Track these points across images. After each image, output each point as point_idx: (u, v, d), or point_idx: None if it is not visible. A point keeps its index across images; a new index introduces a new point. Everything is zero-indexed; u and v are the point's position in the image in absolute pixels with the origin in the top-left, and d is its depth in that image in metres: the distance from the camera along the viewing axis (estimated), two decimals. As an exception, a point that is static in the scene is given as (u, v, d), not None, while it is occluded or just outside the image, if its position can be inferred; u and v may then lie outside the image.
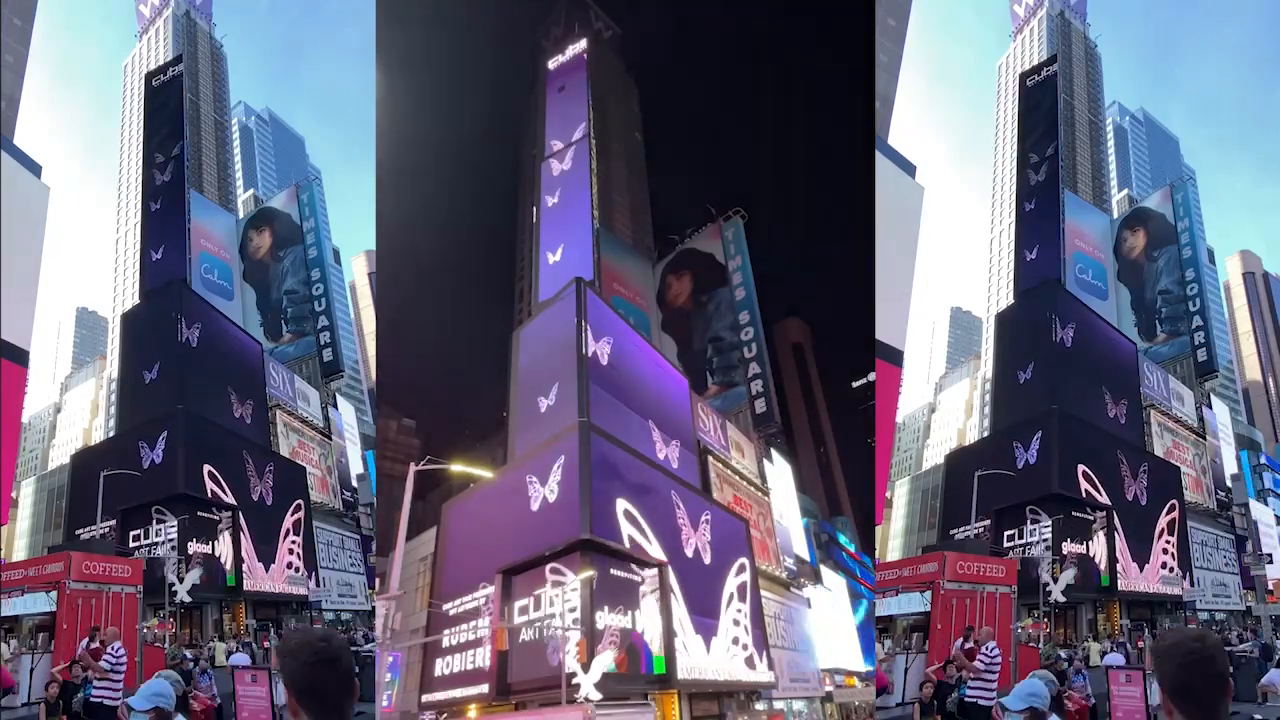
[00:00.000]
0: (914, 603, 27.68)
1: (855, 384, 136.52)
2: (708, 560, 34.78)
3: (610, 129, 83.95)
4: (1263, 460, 70.35)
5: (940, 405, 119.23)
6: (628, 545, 29.19)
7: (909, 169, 42.88)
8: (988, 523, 45.14)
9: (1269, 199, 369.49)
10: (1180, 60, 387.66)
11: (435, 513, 38.09)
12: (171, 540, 38.31)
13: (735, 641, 34.07)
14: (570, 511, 27.81)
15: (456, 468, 32.55)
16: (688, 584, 31.26)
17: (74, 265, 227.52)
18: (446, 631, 30.67)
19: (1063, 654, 30.16)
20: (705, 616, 32.02)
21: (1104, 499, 44.76)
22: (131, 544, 39.52)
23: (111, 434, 58.98)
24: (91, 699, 20.38)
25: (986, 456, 49.39)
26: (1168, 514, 48.20)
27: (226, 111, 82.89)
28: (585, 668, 23.41)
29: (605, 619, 25.30)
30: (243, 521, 43.03)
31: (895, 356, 41.02)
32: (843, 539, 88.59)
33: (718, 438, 48.51)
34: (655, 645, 27.07)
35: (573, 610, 24.94)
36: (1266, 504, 65.60)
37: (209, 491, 43.47)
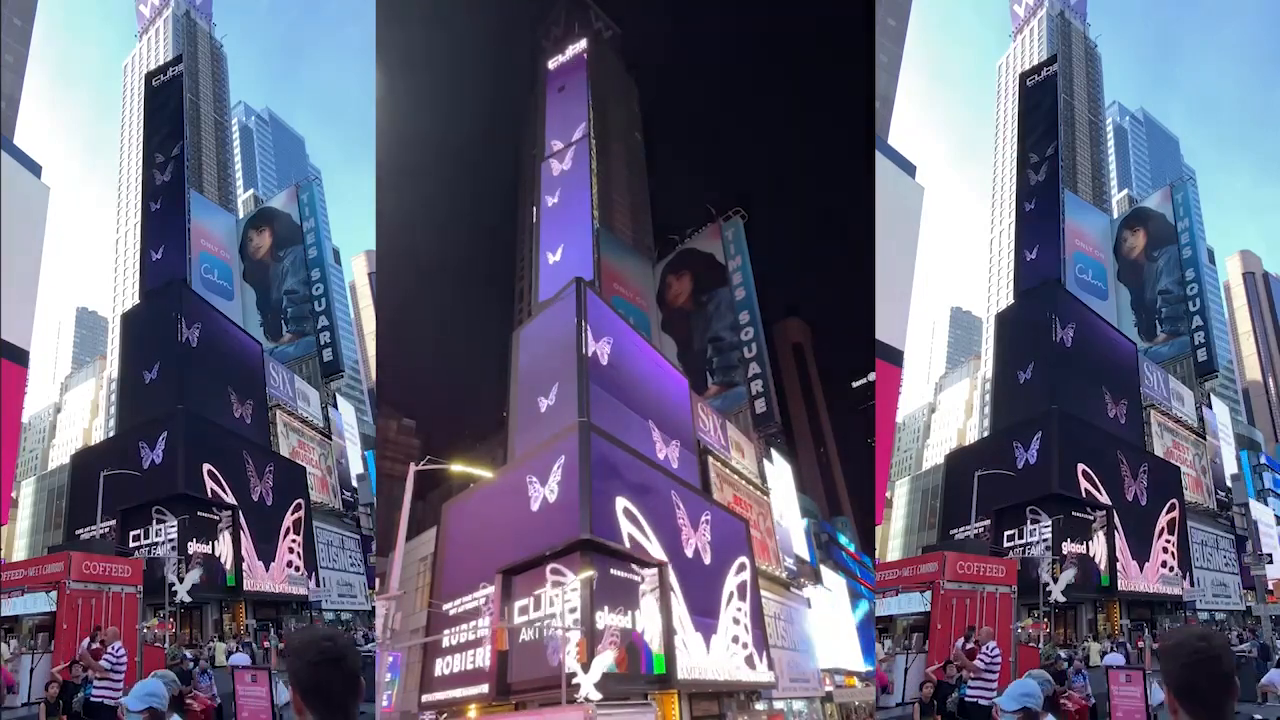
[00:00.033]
0: (914, 603, 27.68)
1: (855, 384, 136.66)
2: (708, 560, 34.78)
3: (610, 129, 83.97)
4: (1263, 460, 70.35)
5: (940, 405, 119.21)
6: (628, 544, 29.20)
7: (909, 169, 42.88)
8: (988, 523, 45.13)
9: (1269, 199, 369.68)
10: (1180, 60, 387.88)
11: (435, 513, 38.09)
12: (171, 540, 38.31)
13: (735, 640, 34.08)
14: (570, 511, 27.81)
15: (456, 468, 32.55)
16: (688, 584, 31.26)
17: (74, 265, 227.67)
18: (446, 631, 30.67)
19: (1063, 654, 30.17)
20: (705, 616, 32.02)
21: (1104, 499, 44.75)
22: (131, 544, 39.51)
23: (111, 434, 58.97)
24: (91, 699, 20.39)
25: (986, 456, 49.38)
26: (1168, 513, 48.21)
27: (226, 111, 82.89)
28: (585, 668, 23.42)
29: (605, 619, 25.30)
30: (243, 521, 43.03)
31: (895, 356, 41.02)
32: (843, 539, 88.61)
33: (718, 438, 48.51)
34: (655, 645, 27.08)
35: (573, 610, 24.94)
36: (1266, 504, 65.59)
37: (209, 491, 43.47)
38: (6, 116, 46.30)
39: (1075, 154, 76.10)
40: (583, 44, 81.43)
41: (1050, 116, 61.68)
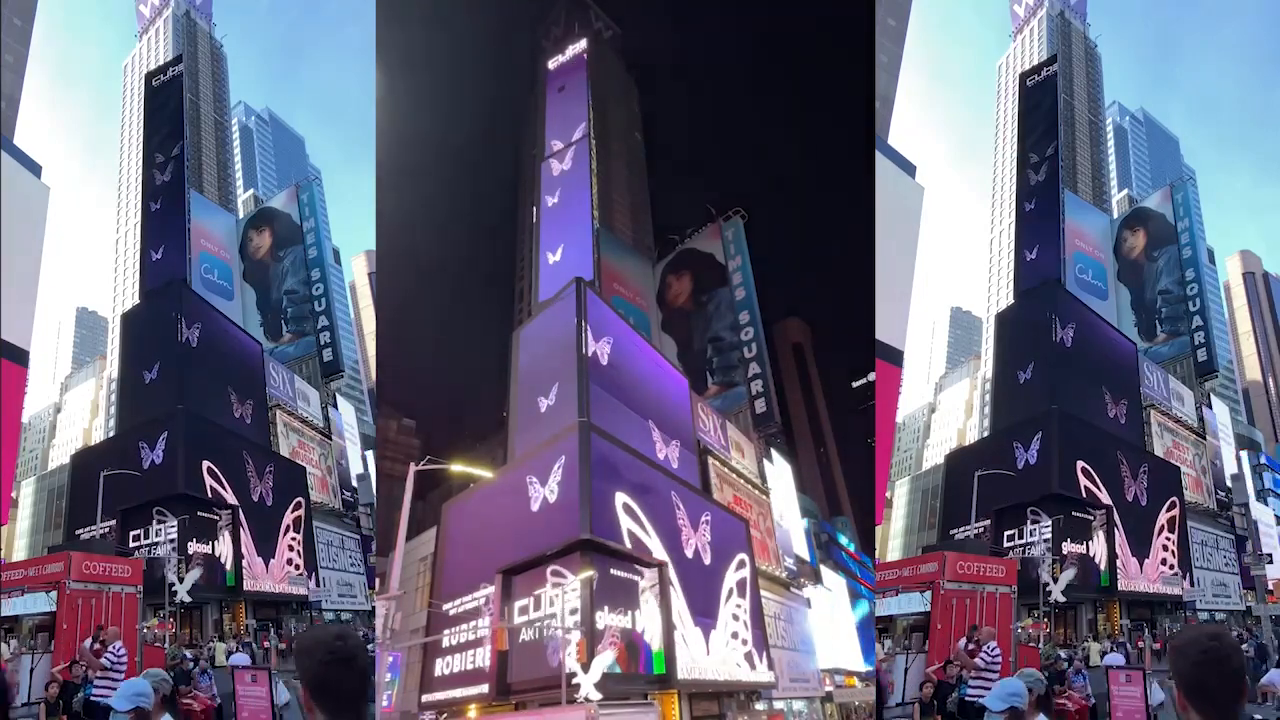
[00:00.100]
0: (914, 603, 27.67)
1: (855, 384, 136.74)
2: (708, 561, 34.80)
3: (610, 129, 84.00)
4: (1263, 460, 70.29)
5: (940, 405, 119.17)
6: (628, 540, 29.22)
7: (909, 169, 42.88)
8: (988, 523, 45.10)
9: (1269, 199, 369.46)
10: (1180, 60, 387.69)
11: (435, 513, 38.11)
12: (171, 540, 38.26)
13: (735, 636, 34.10)
14: (570, 512, 27.82)
15: (456, 468, 32.55)
16: (688, 584, 31.27)
17: (74, 265, 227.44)
18: (446, 631, 30.69)
19: (1063, 654, 30.17)
20: (705, 617, 32.04)
21: (1104, 497, 44.76)
22: (131, 544, 39.48)
23: (111, 434, 58.92)
24: (91, 699, 20.40)
25: (986, 456, 49.35)
26: (1168, 511, 48.21)
27: (226, 111, 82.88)
28: (585, 668, 23.43)
29: (605, 619, 25.32)
30: (242, 518, 43.05)
31: (895, 356, 41.01)
32: (843, 539, 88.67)
33: (718, 438, 48.52)
34: (655, 644, 27.09)
35: (573, 610, 24.94)
36: (1266, 504, 65.54)
37: (209, 491, 43.46)
38: (6, 116, 46.31)
39: (1075, 154, 76.09)
40: (583, 44, 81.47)
41: (1050, 116, 61.67)
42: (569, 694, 22.81)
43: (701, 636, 30.87)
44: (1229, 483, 57.93)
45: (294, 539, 48.64)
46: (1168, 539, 47.47)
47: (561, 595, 25.52)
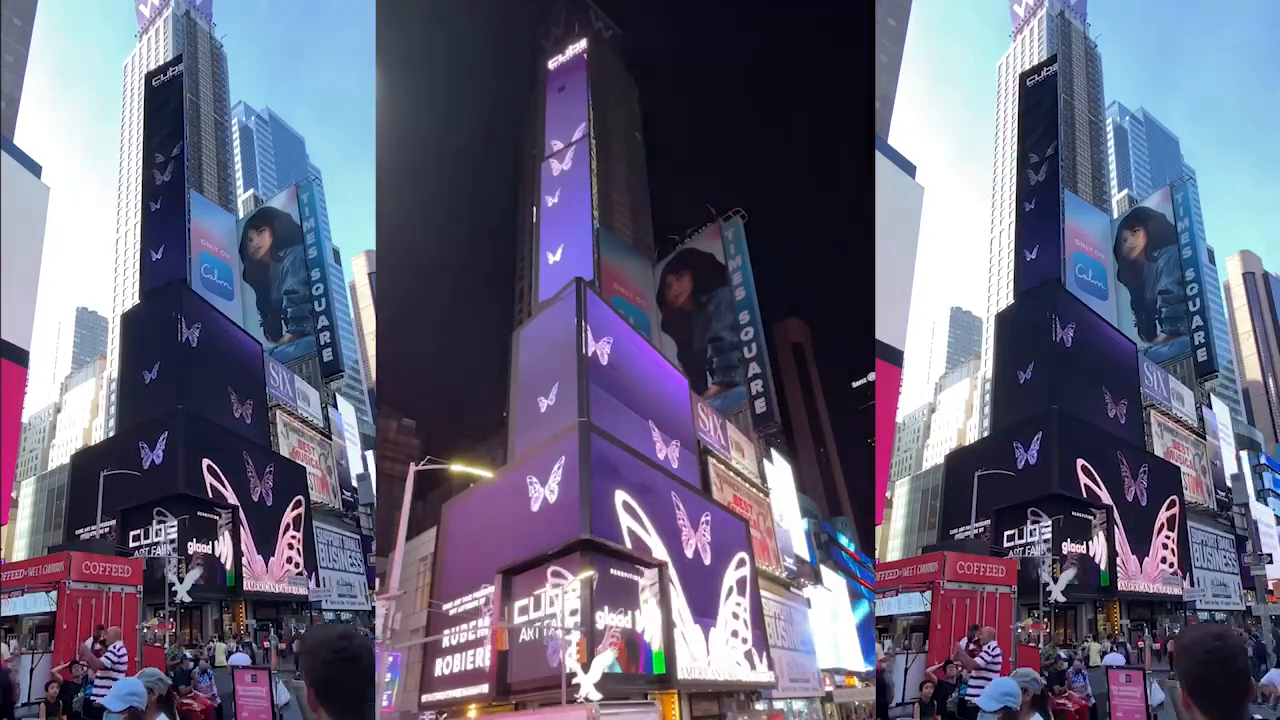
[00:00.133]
0: (914, 603, 27.67)
1: (855, 384, 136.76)
2: (708, 561, 34.80)
3: (610, 129, 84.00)
4: (1263, 460, 70.28)
5: (940, 405, 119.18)
6: (628, 538, 29.22)
7: (909, 169, 42.89)
8: (988, 523, 45.11)
9: (1269, 199, 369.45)
10: (1180, 60, 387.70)
11: (435, 513, 38.10)
12: (171, 540, 38.25)
13: (735, 635, 34.11)
14: (570, 512, 27.82)
15: (456, 468, 32.56)
16: (688, 584, 31.27)
17: (74, 265, 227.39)
18: (446, 631, 30.69)
19: (1063, 654, 30.19)
20: (705, 617, 32.04)
21: (1104, 495, 44.79)
22: (131, 544, 39.47)
23: (111, 434, 58.93)
24: (92, 699, 20.39)
25: (986, 456, 49.36)
26: (1168, 510, 48.22)
27: (226, 111, 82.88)
28: (585, 668, 23.43)
29: (605, 619, 25.32)
30: (242, 518, 43.07)
31: (895, 356, 41.02)
32: (843, 539, 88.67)
33: (718, 438, 48.52)
34: (655, 644, 27.09)
35: (573, 610, 24.94)
36: (1266, 504, 65.54)
37: (209, 490, 43.46)
38: (6, 116, 46.31)
39: (1075, 154, 76.08)
40: (583, 44, 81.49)
41: (1050, 116, 61.67)
42: (569, 694, 22.81)
43: (701, 635, 30.88)
44: (1229, 483, 57.93)
45: (294, 537, 48.65)
46: (1167, 537, 47.49)
47: (561, 595, 25.51)
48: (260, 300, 63.23)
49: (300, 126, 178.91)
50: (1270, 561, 58.59)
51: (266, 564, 44.96)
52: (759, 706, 36.59)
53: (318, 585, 49.87)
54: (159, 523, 39.59)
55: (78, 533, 43.20)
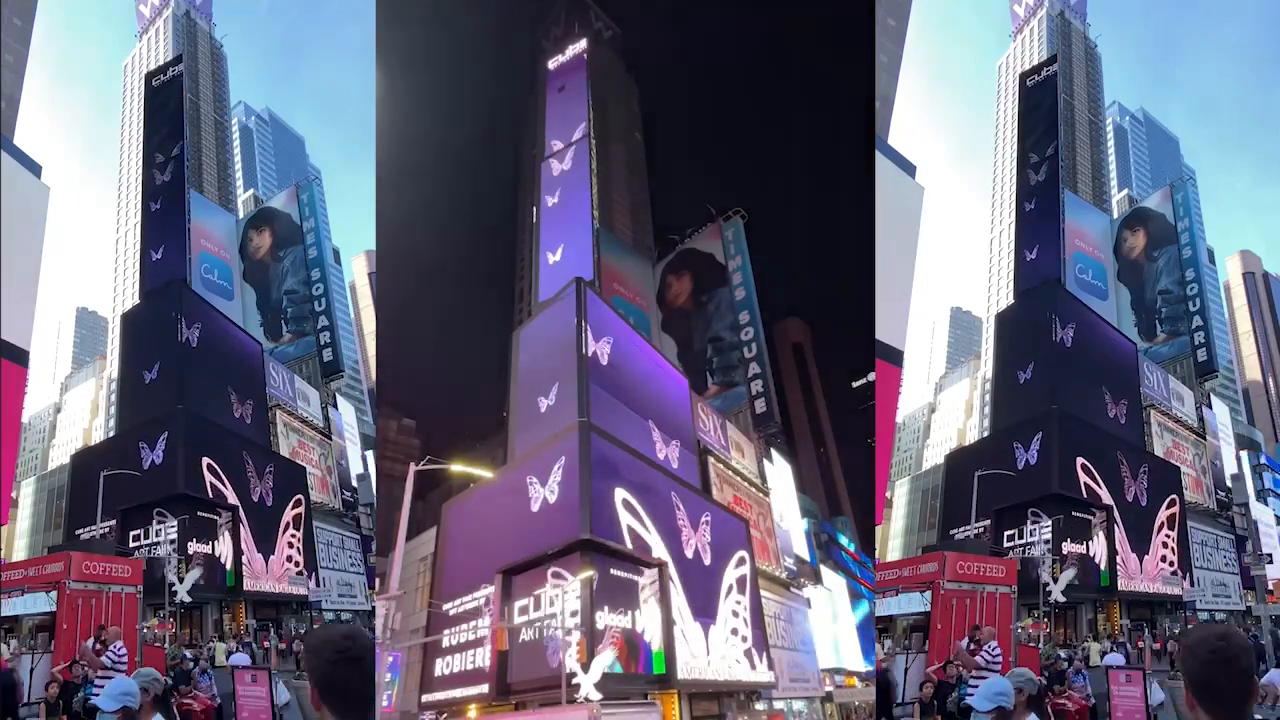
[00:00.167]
0: (914, 603, 27.68)
1: (855, 384, 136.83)
2: (708, 562, 34.80)
3: (610, 129, 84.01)
4: (1263, 460, 70.28)
5: (940, 405, 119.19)
6: (627, 536, 29.21)
7: (909, 169, 42.90)
8: (988, 523, 45.11)
9: (1269, 199, 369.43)
10: (1180, 60, 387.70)
11: (435, 513, 38.10)
12: (171, 540, 38.25)
13: (735, 633, 34.11)
14: (570, 512, 27.82)
15: (456, 468, 32.57)
16: (688, 584, 31.27)
17: (74, 265, 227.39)
18: (446, 631, 30.68)
19: (1063, 654, 30.18)
20: (705, 617, 32.04)
21: (1105, 494, 44.80)
22: (131, 544, 39.47)
23: (111, 434, 58.92)
24: (92, 698, 20.39)
25: (986, 456, 49.35)
26: (1168, 508, 48.23)
27: (226, 111, 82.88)
28: (585, 668, 23.43)
29: (605, 619, 25.31)
30: (242, 517, 43.09)
31: (895, 356, 41.03)
32: (843, 539, 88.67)
33: (718, 438, 48.52)
34: (655, 644, 27.08)
35: (573, 611, 24.94)
36: (1266, 504, 65.54)
37: (209, 490, 43.46)
38: (6, 116, 46.32)
39: (1075, 154, 76.08)
40: (583, 44, 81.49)
41: (1050, 116, 61.66)
42: (569, 694, 22.81)
43: (701, 632, 30.88)
44: (1229, 483, 57.93)
45: (293, 535, 48.67)
46: (1167, 535, 47.51)
47: (561, 595, 25.51)
48: (260, 300, 63.23)
49: (300, 126, 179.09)
50: (1270, 561, 58.57)
51: (266, 564, 44.97)
52: (759, 706, 36.58)
53: (318, 585, 49.87)
54: (159, 523, 39.58)
55: (78, 533, 43.20)
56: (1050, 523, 41.66)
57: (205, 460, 44.08)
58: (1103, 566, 42.17)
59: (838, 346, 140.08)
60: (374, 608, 33.71)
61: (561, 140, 70.55)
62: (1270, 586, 57.12)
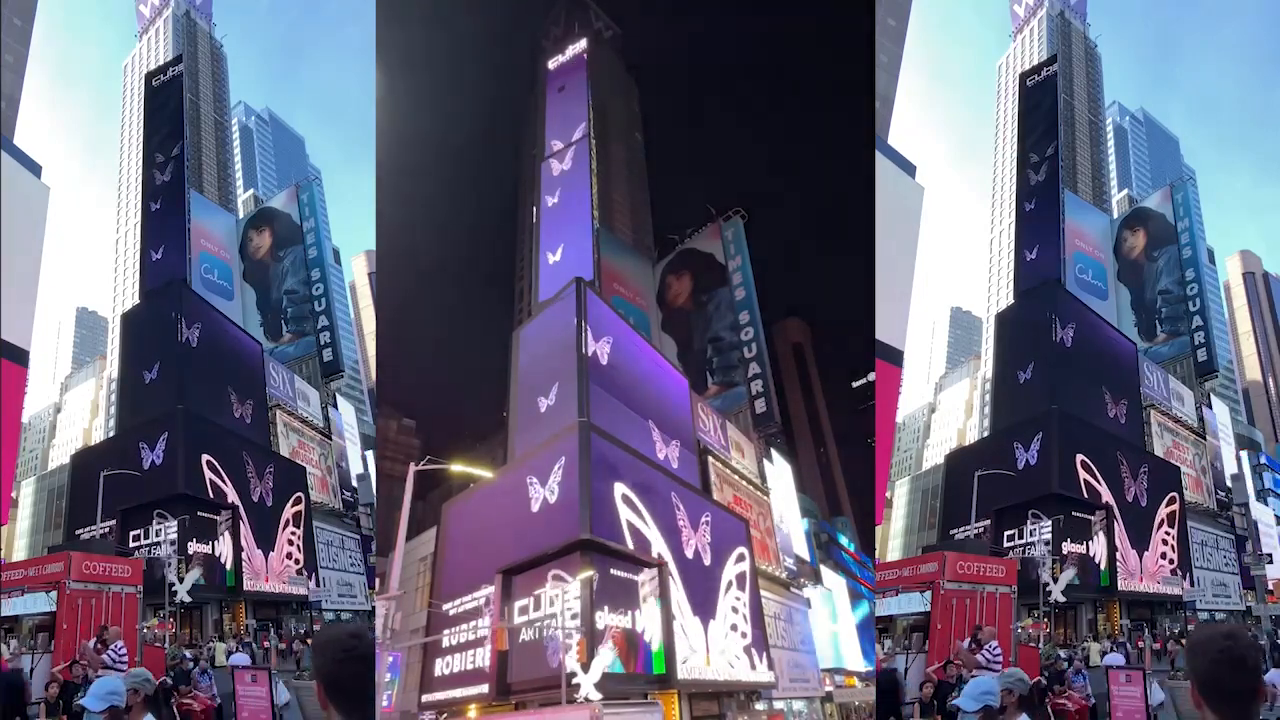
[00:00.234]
0: (914, 603, 27.69)
1: (855, 384, 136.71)
2: (707, 562, 34.80)
3: (610, 129, 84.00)
4: (1263, 460, 70.30)
5: (940, 405, 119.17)
6: (627, 532, 29.22)
7: (909, 169, 42.90)
8: (988, 523, 45.13)
9: (1269, 199, 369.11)
10: (1180, 60, 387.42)
11: (435, 513, 38.10)
12: (171, 540, 38.26)
13: (734, 629, 34.11)
14: (570, 512, 27.81)
15: (456, 468, 32.56)
16: (688, 584, 31.27)
17: (74, 265, 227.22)
18: (446, 631, 30.68)
19: (1063, 654, 30.16)
20: (704, 615, 32.04)
21: (1105, 492, 44.82)
22: (131, 544, 39.50)
23: (111, 434, 58.94)
24: (78, 699, 20.36)
25: (986, 456, 49.37)
26: (1167, 506, 48.24)
27: (226, 111, 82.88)
28: (585, 668, 23.43)
29: (605, 619, 25.32)
30: (242, 516, 43.10)
31: (895, 356, 41.02)
32: (843, 539, 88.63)
33: (718, 438, 48.52)
34: (655, 643, 27.08)
35: (573, 612, 24.94)
36: (1266, 504, 65.55)
37: (209, 490, 43.48)
38: (6, 116, 46.31)
39: (1075, 154, 76.09)
40: (583, 44, 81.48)
41: (1050, 116, 61.67)
42: (569, 694, 22.81)
43: (700, 627, 30.88)
44: (1229, 483, 57.95)
45: (293, 534, 48.69)
46: (1167, 534, 47.52)
47: (561, 595, 25.51)
48: (260, 300, 63.24)
49: (300, 126, 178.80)
50: (1270, 561, 58.60)
51: (266, 559, 44.99)
52: (759, 706, 36.58)
53: (318, 585, 49.88)
54: (159, 523, 39.60)
55: (78, 533, 43.21)
56: (1050, 523, 41.66)
57: (205, 460, 44.10)
58: (1103, 566, 42.18)
59: (838, 346, 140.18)
60: (374, 608, 33.73)
61: (561, 140, 70.55)
62: (1270, 586, 57.15)
